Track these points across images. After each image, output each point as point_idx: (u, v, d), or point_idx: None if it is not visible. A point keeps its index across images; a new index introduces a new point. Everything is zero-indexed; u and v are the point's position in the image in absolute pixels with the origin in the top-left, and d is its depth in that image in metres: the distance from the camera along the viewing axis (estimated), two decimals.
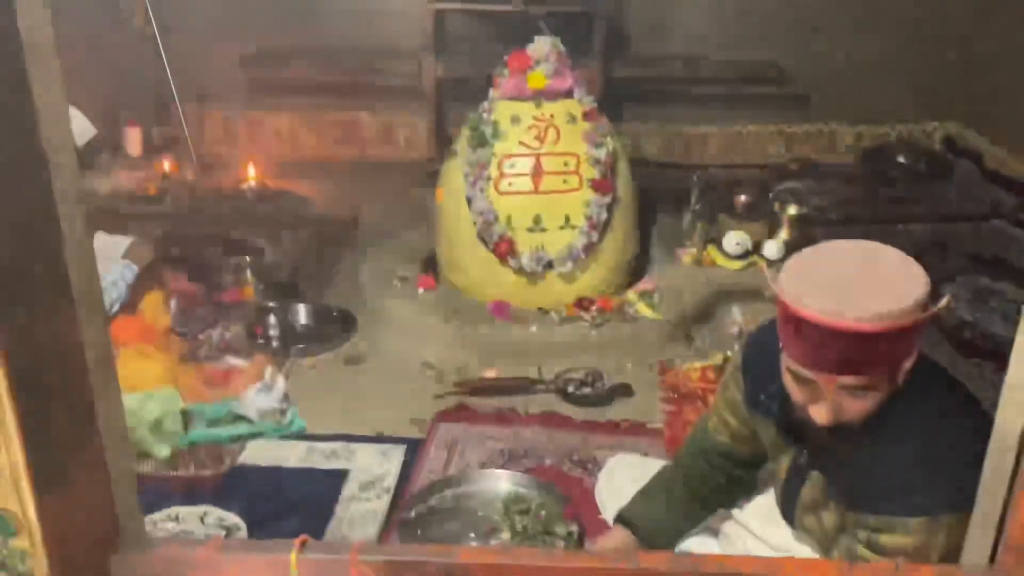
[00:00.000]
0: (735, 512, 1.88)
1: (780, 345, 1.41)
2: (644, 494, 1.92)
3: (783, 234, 3.46)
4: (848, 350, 1.29)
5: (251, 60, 4.70)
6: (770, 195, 3.75)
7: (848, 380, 1.34)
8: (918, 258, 1.41)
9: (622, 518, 1.89)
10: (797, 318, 1.31)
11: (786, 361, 1.40)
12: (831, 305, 1.28)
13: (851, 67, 4.67)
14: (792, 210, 3.54)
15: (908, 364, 1.38)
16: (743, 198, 3.62)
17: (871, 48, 4.64)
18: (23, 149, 0.88)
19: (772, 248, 3.36)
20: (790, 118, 4.93)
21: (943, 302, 1.34)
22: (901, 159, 4.69)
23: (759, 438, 1.72)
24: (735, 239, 3.37)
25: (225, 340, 3.06)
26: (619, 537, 1.87)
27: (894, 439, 1.42)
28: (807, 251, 1.44)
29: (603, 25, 4.38)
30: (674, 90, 4.80)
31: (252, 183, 4.40)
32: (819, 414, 1.38)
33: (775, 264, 1.45)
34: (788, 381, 1.42)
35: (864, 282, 1.32)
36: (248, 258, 3.58)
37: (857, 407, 1.38)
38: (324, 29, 4.66)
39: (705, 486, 1.86)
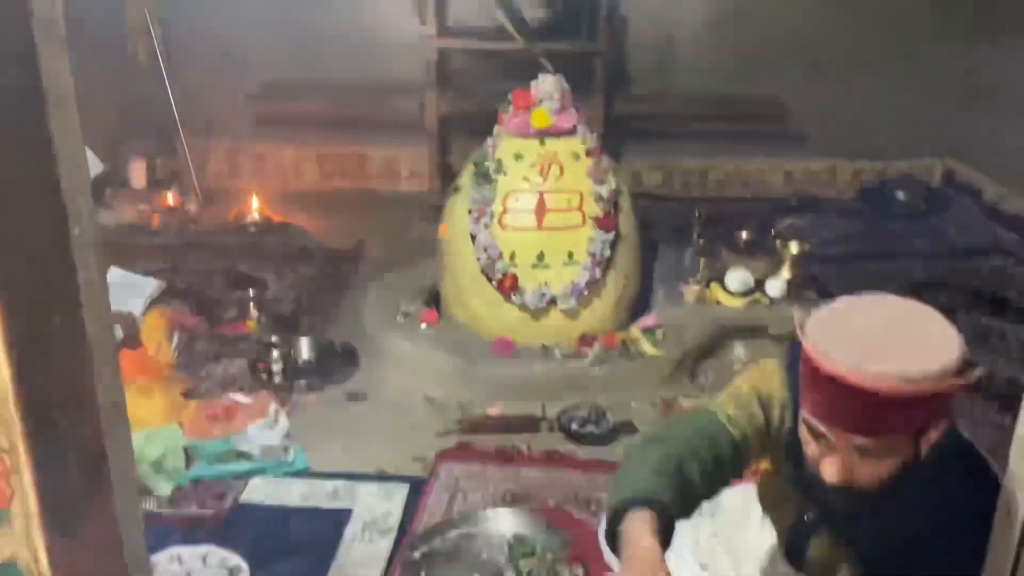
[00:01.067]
0: (736, 564, 1.84)
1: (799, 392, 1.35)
2: (656, 474, 1.42)
3: (785, 272, 3.46)
4: (866, 409, 1.23)
5: (256, 94, 4.74)
6: (772, 231, 3.76)
7: (863, 441, 1.28)
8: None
9: (636, 500, 1.37)
10: (816, 368, 1.26)
11: (803, 411, 1.35)
12: (852, 359, 1.22)
13: (850, 103, 4.72)
14: (794, 248, 3.54)
15: (934, 435, 1.31)
16: (745, 234, 3.63)
17: (870, 84, 4.70)
18: (41, 195, 0.88)
19: (775, 286, 3.36)
20: (790, 153, 4.96)
21: (975, 374, 1.26)
22: (900, 195, 4.71)
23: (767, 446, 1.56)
24: (738, 277, 3.37)
25: (228, 375, 3.06)
26: (646, 532, 1.32)
27: (911, 512, 1.36)
28: (842, 300, 1.37)
29: (604, 62, 4.44)
30: (675, 126, 4.83)
31: (255, 216, 4.43)
32: (829, 472, 1.32)
33: (803, 308, 1.35)
34: (803, 432, 1.37)
35: (891, 340, 1.25)
36: (251, 291, 3.58)
37: (871, 471, 1.31)
38: (329, 64, 4.70)
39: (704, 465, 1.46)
